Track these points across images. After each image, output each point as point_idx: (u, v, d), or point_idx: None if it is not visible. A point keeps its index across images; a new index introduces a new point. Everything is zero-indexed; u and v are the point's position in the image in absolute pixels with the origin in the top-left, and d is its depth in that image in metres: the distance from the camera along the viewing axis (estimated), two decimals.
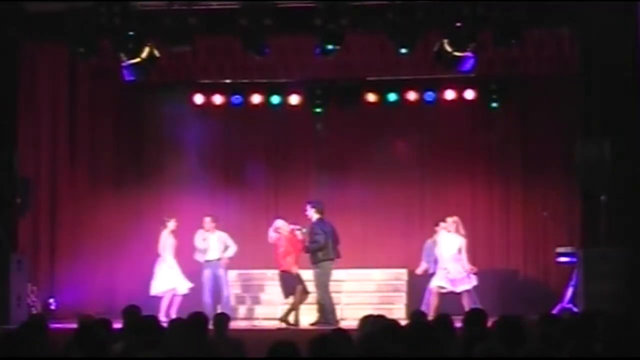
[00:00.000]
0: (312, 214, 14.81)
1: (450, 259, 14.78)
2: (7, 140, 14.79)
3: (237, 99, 17.39)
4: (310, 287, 14.81)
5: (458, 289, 14.68)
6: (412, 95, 17.18)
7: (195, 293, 15.35)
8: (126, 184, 17.53)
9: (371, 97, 17.14)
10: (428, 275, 15.12)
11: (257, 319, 16.11)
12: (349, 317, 15.33)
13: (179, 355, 6.83)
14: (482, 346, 5.85)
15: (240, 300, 16.65)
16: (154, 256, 15.41)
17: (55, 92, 16.47)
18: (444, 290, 14.73)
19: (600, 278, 13.48)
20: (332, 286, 14.92)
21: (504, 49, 14.55)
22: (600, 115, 14.00)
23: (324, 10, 13.69)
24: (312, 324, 14.53)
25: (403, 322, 8.13)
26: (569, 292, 14.69)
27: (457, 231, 14.93)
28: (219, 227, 15.72)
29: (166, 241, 15.37)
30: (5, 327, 13.08)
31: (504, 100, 17.09)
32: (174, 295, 15.33)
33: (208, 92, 17.42)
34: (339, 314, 15.05)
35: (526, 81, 17.11)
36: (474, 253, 15.55)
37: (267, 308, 16.27)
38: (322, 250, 14.60)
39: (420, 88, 17.11)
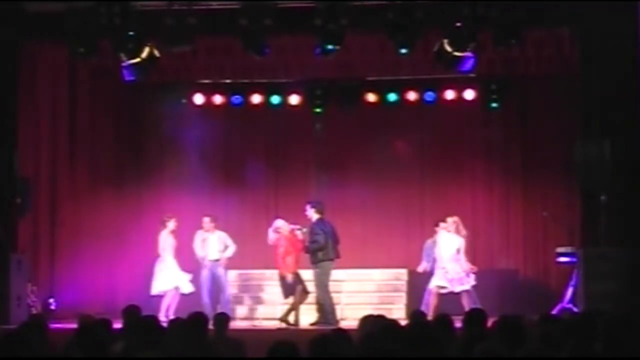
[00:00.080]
0: (312, 214, 14.81)
1: (449, 259, 14.78)
2: (7, 140, 14.79)
3: (237, 99, 17.39)
4: (310, 287, 14.80)
5: (456, 289, 14.69)
6: (412, 95, 17.18)
7: (195, 293, 15.35)
8: (126, 184, 17.54)
9: (371, 97, 17.14)
10: (428, 275, 15.12)
11: (257, 319, 16.11)
12: (349, 317, 15.34)
13: (179, 355, 6.83)
14: (482, 346, 5.85)
15: (240, 300, 16.65)
16: (154, 256, 15.40)
17: (55, 92, 16.48)
18: (443, 291, 14.74)
19: (600, 278, 13.48)
20: (332, 286, 14.92)
21: (504, 49, 14.56)
22: (600, 115, 14.00)
23: (324, 10, 13.69)
24: (312, 324, 14.53)
25: (403, 322, 8.13)
26: (569, 292, 14.69)
27: (457, 231, 14.93)
28: (218, 227, 15.73)
29: (166, 241, 15.37)
30: (5, 327, 13.08)
31: (504, 100, 17.09)
32: (175, 295, 15.33)
33: (208, 92, 17.42)
34: (339, 314, 15.06)
35: (526, 81, 17.12)
36: (474, 253, 15.55)
37: (267, 308, 16.27)
38: (322, 250, 14.60)
39: (420, 88, 17.11)
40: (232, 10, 13.96)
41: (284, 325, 14.59)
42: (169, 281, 15.29)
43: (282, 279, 14.76)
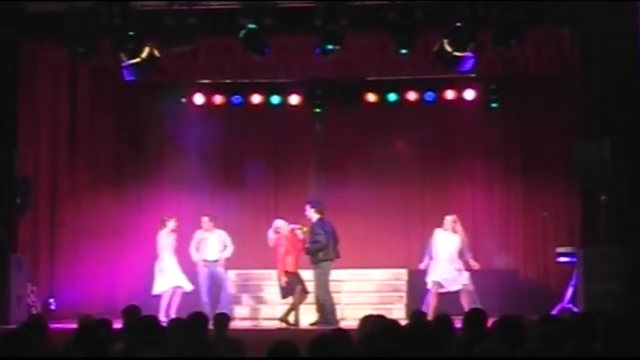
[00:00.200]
0: (312, 214, 14.80)
1: (445, 258, 14.84)
2: (7, 140, 14.79)
3: (237, 99, 17.40)
4: (310, 287, 14.80)
5: (451, 288, 14.73)
6: (412, 95, 17.19)
7: (194, 293, 15.35)
8: (126, 184, 17.55)
9: (371, 97, 17.15)
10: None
11: (257, 319, 16.11)
12: (349, 317, 15.35)
13: (179, 355, 6.83)
14: (482, 346, 5.85)
15: (240, 300, 16.65)
16: (154, 256, 15.40)
17: (55, 92, 16.48)
18: (442, 290, 14.76)
19: (600, 278, 13.47)
20: (332, 286, 14.91)
21: (504, 49, 14.55)
22: (600, 115, 13.99)
23: (324, 10, 13.69)
24: (312, 324, 14.53)
25: (403, 322, 8.13)
26: (569, 292, 14.69)
27: (453, 230, 14.96)
28: (218, 226, 15.73)
29: (164, 241, 15.38)
30: (5, 327, 13.08)
31: (504, 100, 17.10)
32: (174, 295, 15.33)
33: (208, 92, 17.43)
34: (339, 314, 15.06)
35: (526, 81, 17.13)
36: (474, 253, 15.51)
37: (267, 308, 16.27)
38: (323, 250, 14.60)
39: (420, 88, 17.12)
40: (232, 10, 13.96)
41: (284, 325, 14.59)
42: (168, 281, 15.29)
43: (281, 279, 14.75)
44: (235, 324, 13.74)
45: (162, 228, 15.43)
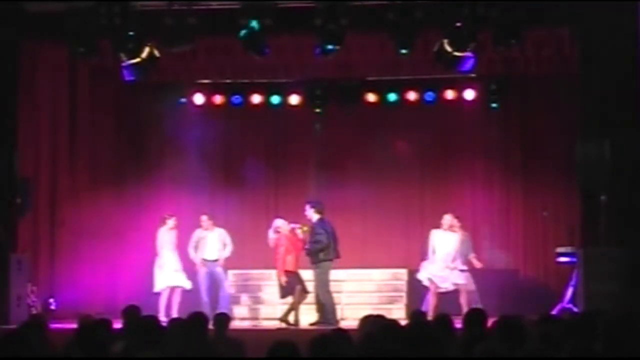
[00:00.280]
0: (312, 214, 14.79)
1: (442, 258, 14.86)
2: (7, 140, 14.78)
3: (237, 99, 17.41)
4: (310, 287, 14.79)
5: (442, 285, 14.78)
6: (412, 95, 17.19)
7: (194, 292, 15.36)
8: (126, 183, 17.54)
9: (371, 97, 17.15)
10: None
11: (257, 319, 16.12)
12: (349, 317, 15.36)
13: (179, 355, 6.83)
14: (482, 346, 5.85)
15: (240, 300, 16.65)
16: (154, 256, 15.43)
17: (55, 92, 16.48)
18: (442, 290, 14.80)
19: (600, 278, 13.47)
20: (332, 286, 14.91)
21: (504, 49, 14.55)
22: (600, 115, 13.99)
23: (324, 10, 13.69)
24: (312, 324, 14.53)
25: (403, 322, 8.13)
26: (569, 292, 14.69)
27: (450, 229, 15.00)
28: (217, 225, 15.75)
29: (163, 238, 15.41)
30: (5, 327, 13.08)
31: (504, 100, 17.11)
32: (173, 294, 15.34)
33: (208, 92, 17.44)
34: (339, 314, 15.06)
35: (526, 81, 17.13)
36: (474, 253, 15.52)
37: (266, 308, 16.27)
38: (324, 250, 14.60)
39: (420, 88, 17.13)
40: (232, 10, 13.96)
41: (284, 325, 14.59)
42: (166, 279, 15.30)
43: (281, 278, 14.75)
44: (235, 324, 13.73)
45: (161, 225, 15.46)
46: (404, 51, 14.02)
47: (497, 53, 15.10)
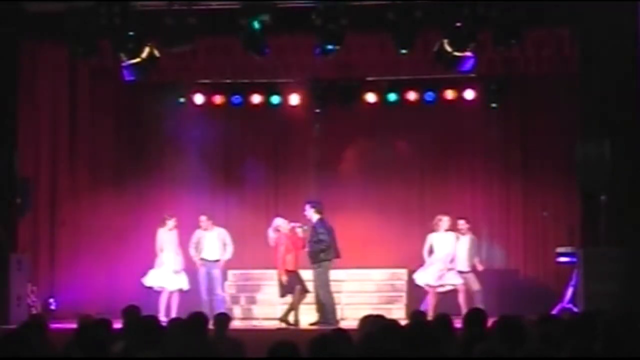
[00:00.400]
0: (312, 214, 14.80)
1: (441, 258, 14.91)
2: (7, 140, 14.79)
3: (237, 99, 17.41)
4: (310, 286, 14.79)
5: (442, 283, 14.80)
6: (412, 95, 17.19)
7: (193, 292, 15.36)
8: (126, 183, 17.53)
9: (371, 97, 17.15)
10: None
11: (257, 319, 16.11)
12: (349, 317, 15.35)
13: (179, 355, 6.83)
14: (482, 346, 5.85)
15: (240, 300, 16.65)
16: (154, 256, 15.43)
17: (55, 92, 16.48)
18: (441, 289, 14.82)
19: (600, 278, 13.47)
20: (332, 286, 14.91)
21: (504, 49, 14.55)
22: (600, 115, 13.99)
23: (323, 10, 13.68)
24: (312, 324, 14.53)
25: (403, 322, 8.13)
26: (569, 292, 14.70)
27: (446, 230, 15.05)
28: (217, 225, 15.74)
29: (162, 238, 15.41)
30: (5, 327, 13.08)
31: (504, 100, 17.10)
32: (172, 294, 15.34)
33: (208, 92, 17.43)
34: (339, 314, 15.06)
35: (526, 81, 17.13)
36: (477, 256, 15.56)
37: (266, 308, 16.26)
38: (326, 250, 14.60)
39: (420, 88, 17.12)
40: (232, 10, 13.95)
41: (284, 325, 14.58)
42: (161, 278, 15.30)
43: (282, 277, 14.75)
44: (234, 324, 13.73)
45: (161, 226, 15.47)
46: (404, 51, 14.02)
47: (497, 53, 15.11)
